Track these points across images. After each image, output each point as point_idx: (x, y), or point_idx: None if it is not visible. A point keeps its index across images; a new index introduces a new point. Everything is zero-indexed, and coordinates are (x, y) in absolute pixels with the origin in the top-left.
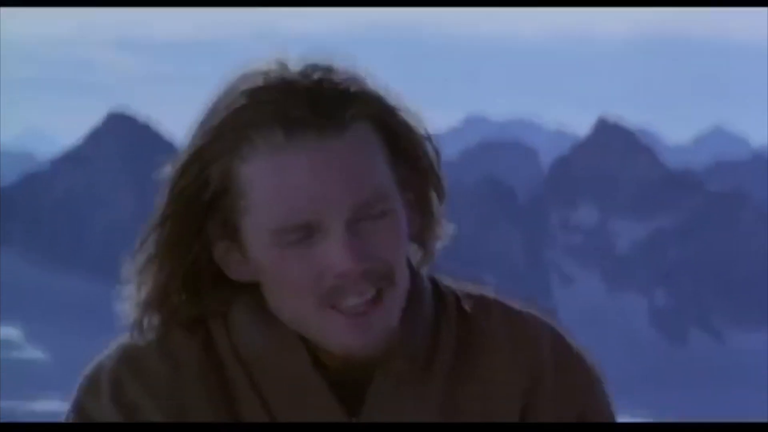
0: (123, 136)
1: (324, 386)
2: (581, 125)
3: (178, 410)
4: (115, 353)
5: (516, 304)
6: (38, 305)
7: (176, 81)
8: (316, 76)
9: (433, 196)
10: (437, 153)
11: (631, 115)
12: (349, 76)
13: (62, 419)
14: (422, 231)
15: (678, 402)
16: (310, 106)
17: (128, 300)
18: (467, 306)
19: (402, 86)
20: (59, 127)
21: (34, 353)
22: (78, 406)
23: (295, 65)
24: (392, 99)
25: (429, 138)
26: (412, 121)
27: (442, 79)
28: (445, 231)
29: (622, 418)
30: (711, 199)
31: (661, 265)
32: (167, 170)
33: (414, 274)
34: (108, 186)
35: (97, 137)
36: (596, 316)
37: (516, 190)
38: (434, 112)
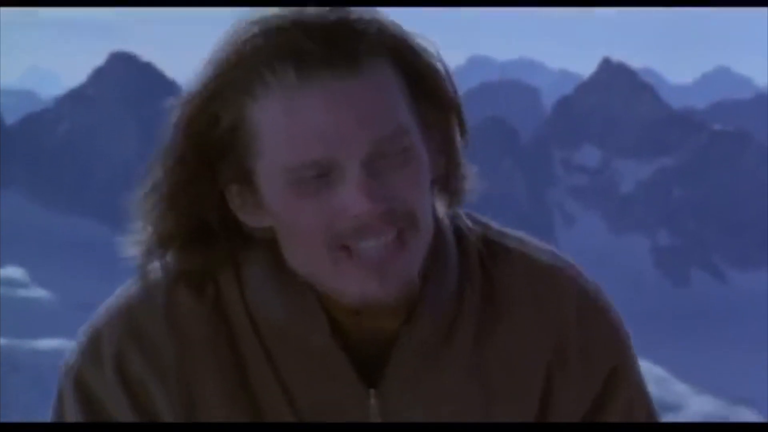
0: (126, 75)
1: (342, 356)
2: (585, 66)
3: (184, 384)
4: (118, 318)
5: (541, 254)
6: (42, 244)
7: (177, 21)
8: (331, 12)
9: (457, 135)
10: (455, 90)
11: (635, 56)
12: (367, 12)
13: (65, 358)
14: (447, 174)
15: (680, 341)
16: (324, 40)
17: (135, 241)
18: (490, 262)
19: (405, 26)
20: (62, 66)
21: (38, 292)
22: (78, 376)
23: (311, 5)
24: (409, 34)
25: (448, 74)
26: (431, 57)
27: (446, 19)
28: (470, 173)
29: None
30: (714, 139)
31: (663, 205)
32: (174, 104)
33: (439, 229)
34: (111, 125)
35: (100, 76)
36: (599, 256)
37: (519, 130)
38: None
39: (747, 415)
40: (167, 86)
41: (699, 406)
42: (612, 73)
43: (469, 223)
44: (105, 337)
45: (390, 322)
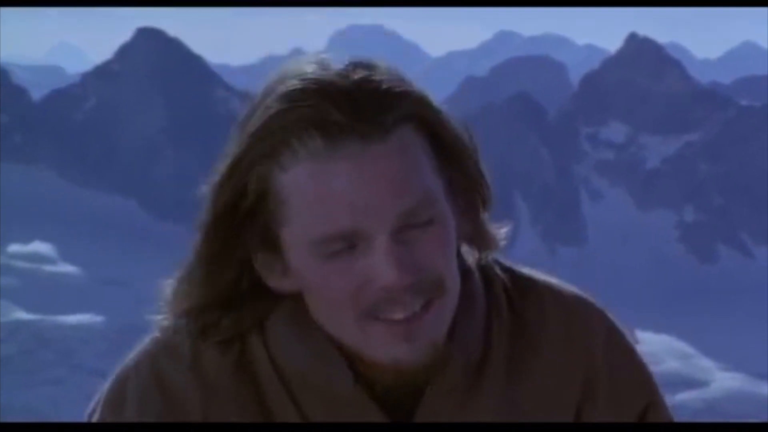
0: (152, 51)
1: (369, 403)
2: (611, 41)
3: None
4: (145, 368)
5: (567, 290)
6: (69, 220)
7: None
8: (356, 76)
9: (479, 203)
10: (477, 150)
11: (662, 31)
12: (391, 75)
13: (93, 331)
14: (473, 238)
15: (706, 317)
16: (351, 109)
17: (165, 305)
18: (518, 299)
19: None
20: (89, 42)
21: (66, 267)
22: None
23: (334, 64)
24: (434, 103)
25: (471, 139)
26: (454, 124)
27: None
28: (498, 237)
29: (650, 335)
30: (741, 114)
31: (690, 181)
32: (209, 182)
33: (466, 275)
34: (138, 101)
35: (126, 52)
36: (625, 232)
37: (545, 105)
38: (465, 28)
39: None
40: (194, 62)
41: (724, 382)
42: (638, 48)
43: (496, 266)
44: (129, 385)
45: (418, 372)
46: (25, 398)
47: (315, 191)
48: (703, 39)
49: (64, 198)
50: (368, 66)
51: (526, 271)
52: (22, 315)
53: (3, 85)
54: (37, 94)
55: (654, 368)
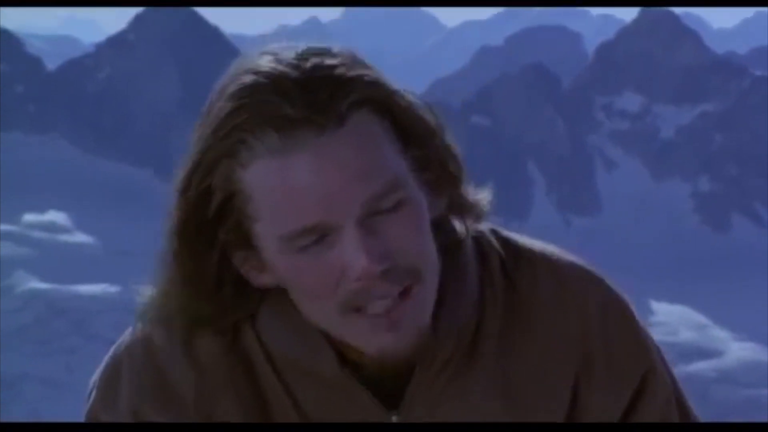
0: (166, 21)
1: (357, 384)
2: (626, 10)
3: (205, 417)
4: (139, 349)
5: (563, 259)
6: (84, 190)
7: None
8: (307, 65)
9: (450, 179)
10: (442, 126)
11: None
12: (345, 59)
13: (108, 301)
14: (453, 211)
15: (720, 287)
16: (303, 101)
17: (146, 302)
18: (513, 268)
19: None
20: (103, 12)
21: (81, 237)
22: (93, 416)
23: (287, 54)
24: (391, 84)
25: (432, 112)
26: (411, 99)
27: None
28: (480, 204)
29: (665, 305)
30: (755, 84)
31: (704, 151)
32: (175, 179)
33: (456, 248)
34: (152, 71)
35: (140, 22)
36: (640, 203)
37: (560, 76)
38: None
39: None
40: (209, 32)
41: (739, 352)
42: (654, 17)
43: (492, 236)
44: (123, 365)
45: (407, 353)
46: (40, 367)
47: (276, 186)
48: (718, 8)
49: (80, 168)
50: (321, 53)
51: (526, 240)
52: (38, 284)
53: (18, 55)
54: (51, 64)
55: (669, 338)
